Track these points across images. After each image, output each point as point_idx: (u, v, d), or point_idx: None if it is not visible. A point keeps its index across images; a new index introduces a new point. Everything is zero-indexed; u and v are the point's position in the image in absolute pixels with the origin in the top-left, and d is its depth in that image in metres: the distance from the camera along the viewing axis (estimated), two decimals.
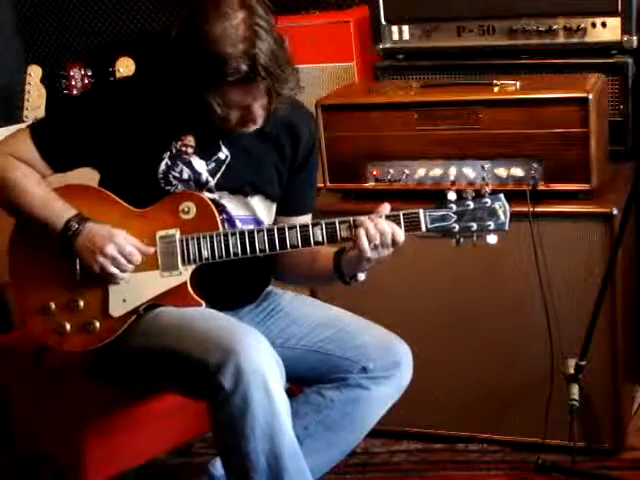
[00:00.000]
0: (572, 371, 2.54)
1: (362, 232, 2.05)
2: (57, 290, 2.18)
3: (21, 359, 2.25)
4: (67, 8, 3.85)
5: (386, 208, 2.09)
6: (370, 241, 2.05)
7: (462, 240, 2.09)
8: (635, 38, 2.69)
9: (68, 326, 2.17)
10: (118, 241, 2.10)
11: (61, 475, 2.47)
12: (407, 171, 2.66)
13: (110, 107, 2.17)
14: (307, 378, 2.24)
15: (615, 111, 2.74)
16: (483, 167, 2.57)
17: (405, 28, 2.93)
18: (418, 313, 2.72)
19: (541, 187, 2.55)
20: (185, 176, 2.18)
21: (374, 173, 2.70)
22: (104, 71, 3.39)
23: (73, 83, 3.40)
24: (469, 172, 2.59)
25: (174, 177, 2.18)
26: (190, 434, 2.54)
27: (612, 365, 2.59)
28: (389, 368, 2.18)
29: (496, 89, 2.61)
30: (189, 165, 2.19)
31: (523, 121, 2.53)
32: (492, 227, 2.07)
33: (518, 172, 2.57)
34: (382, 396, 2.19)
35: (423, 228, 2.07)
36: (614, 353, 2.59)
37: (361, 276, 2.18)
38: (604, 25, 2.71)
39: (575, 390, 2.54)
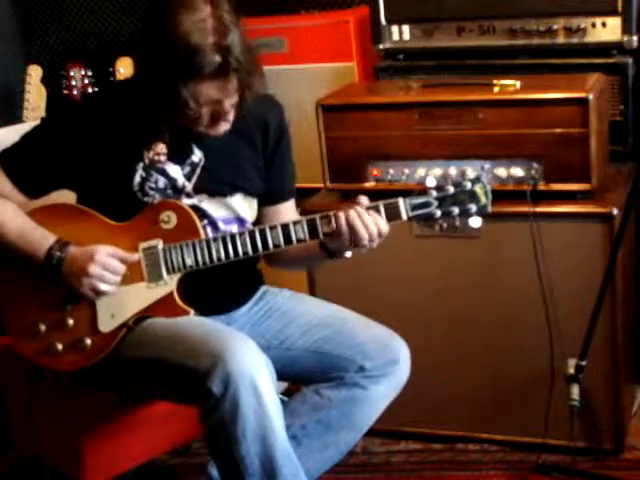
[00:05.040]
0: (572, 371, 2.54)
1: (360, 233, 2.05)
2: (45, 311, 2.18)
3: (19, 362, 2.24)
4: (67, 8, 3.85)
5: (364, 200, 2.08)
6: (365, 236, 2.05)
7: (445, 226, 2.08)
8: (635, 38, 2.69)
9: (60, 346, 2.17)
10: (98, 258, 2.10)
11: (60, 477, 2.47)
12: (407, 171, 2.66)
13: (76, 126, 2.16)
14: (305, 377, 2.24)
15: (615, 111, 2.74)
16: (483, 167, 2.57)
17: (405, 28, 2.93)
18: (418, 312, 2.72)
19: (541, 187, 2.55)
20: (161, 185, 2.18)
21: (374, 173, 2.70)
22: (104, 71, 3.39)
23: (73, 83, 3.40)
24: (469, 172, 2.58)
25: (150, 187, 2.17)
26: (188, 435, 2.53)
27: (612, 365, 2.59)
28: (387, 366, 2.18)
29: (496, 89, 2.61)
30: (164, 173, 2.18)
31: (523, 121, 2.53)
32: (474, 210, 2.06)
33: (518, 172, 2.57)
34: (380, 395, 2.19)
35: (404, 217, 2.07)
36: (614, 353, 2.59)
37: (348, 253, 2.16)
38: (604, 25, 2.71)
39: (575, 390, 2.54)
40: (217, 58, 1.97)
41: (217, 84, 2.00)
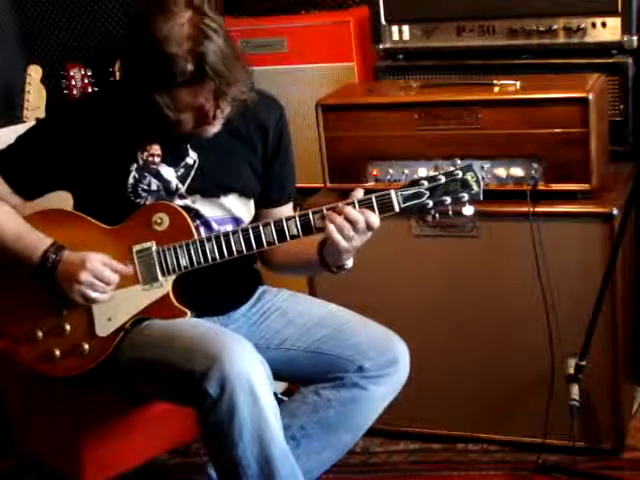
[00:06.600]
0: (572, 371, 2.54)
1: (331, 225, 2.04)
2: (41, 317, 2.18)
3: (19, 363, 2.24)
4: (67, 8, 3.85)
5: (359, 192, 2.07)
6: (342, 232, 2.03)
7: (438, 216, 2.08)
8: (635, 38, 2.69)
9: (57, 352, 2.17)
10: (90, 266, 2.09)
11: (60, 478, 2.47)
12: (407, 171, 2.66)
13: (71, 127, 2.16)
14: (304, 378, 2.24)
15: (615, 111, 2.74)
16: (483, 167, 2.57)
17: (405, 28, 2.93)
18: (417, 312, 2.72)
19: (541, 187, 2.55)
20: (154, 187, 2.17)
21: (374, 173, 2.70)
22: (104, 71, 3.39)
23: (73, 83, 3.40)
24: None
25: (143, 189, 2.17)
26: (188, 435, 2.54)
27: (612, 365, 2.59)
28: (386, 366, 2.18)
29: (496, 89, 2.61)
30: (157, 175, 2.17)
31: (523, 121, 2.53)
32: (466, 198, 2.05)
33: (518, 172, 2.57)
34: (379, 395, 2.19)
35: (396, 208, 2.05)
36: (614, 353, 2.59)
37: (348, 264, 2.17)
38: (604, 25, 2.70)
39: (575, 390, 2.54)
40: (190, 66, 1.95)
41: (192, 91, 1.99)
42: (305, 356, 2.22)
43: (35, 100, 3.32)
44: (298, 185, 2.42)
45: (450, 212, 2.07)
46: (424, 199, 2.05)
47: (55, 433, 2.41)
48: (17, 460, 2.73)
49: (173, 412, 2.33)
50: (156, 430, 2.43)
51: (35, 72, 3.35)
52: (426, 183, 2.05)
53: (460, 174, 2.05)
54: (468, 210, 2.07)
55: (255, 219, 2.29)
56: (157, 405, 2.35)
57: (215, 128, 2.11)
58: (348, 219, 2.03)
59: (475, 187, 2.05)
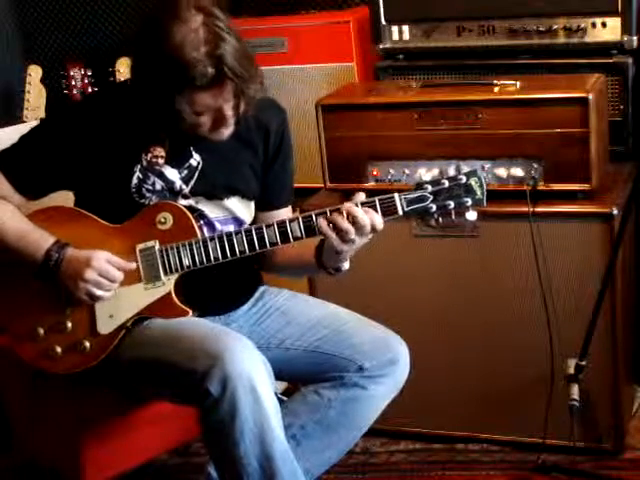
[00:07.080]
0: (572, 371, 2.54)
1: (332, 229, 2.04)
2: (43, 314, 2.18)
3: (19, 362, 2.24)
4: (67, 8, 3.85)
5: (361, 196, 2.07)
6: (346, 235, 2.03)
7: (441, 220, 2.08)
8: (635, 38, 2.69)
9: (59, 349, 2.17)
10: (96, 264, 2.10)
11: (60, 478, 2.47)
12: (407, 171, 2.66)
13: (75, 127, 2.16)
14: (304, 377, 2.25)
15: (615, 111, 2.74)
16: (483, 167, 2.57)
17: (405, 28, 2.93)
18: (417, 312, 2.72)
19: (541, 187, 2.55)
20: (158, 187, 2.18)
21: (374, 173, 2.70)
22: (104, 71, 3.39)
23: (73, 83, 3.40)
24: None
25: (147, 190, 2.17)
26: (188, 435, 2.54)
27: (612, 365, 2.59)
28: (386, 366, 2.18)
29: (496, 89, 2.60)
30: (161, 176, 2.18)
31: (523, 121, 2.53)
32: (469, 203, 2.06)
33: (518, 172, 2.57)
34: (379, 395, 2.19)
35: (400, 212, 2.06)
36: (614, 353, 2.59)
37: (344, 266, 2.17)
38: (604, 25, 2.70)
39: (575, 390, 2.54)
40: (210, 70, 1.96)
41: (212, 93, 2.00)
42: (305, 356, 2.23)
43: (35, 100, 3.32)
44: (298, 185, 2.42)
45: (453, 216, 2.07)
46: (427, 203, 2.06)
47: (55, 433, 2.41)
48: (17, 460, 2.73)
49: (173, 412, 2.34)
50: (156, 430, 2.43)
51: (35, 72, 3.36)
52: (430, 187, 2.06)
53: (464, 179, 2.05)
54: (471, 215, 2.08)
55: (253, 223, 2.29)
56: (157, 405, 2.35)
57: (229, 130, 2.11)
58: (355, 222, 2.03)
59: (479, 193, 2.06)
